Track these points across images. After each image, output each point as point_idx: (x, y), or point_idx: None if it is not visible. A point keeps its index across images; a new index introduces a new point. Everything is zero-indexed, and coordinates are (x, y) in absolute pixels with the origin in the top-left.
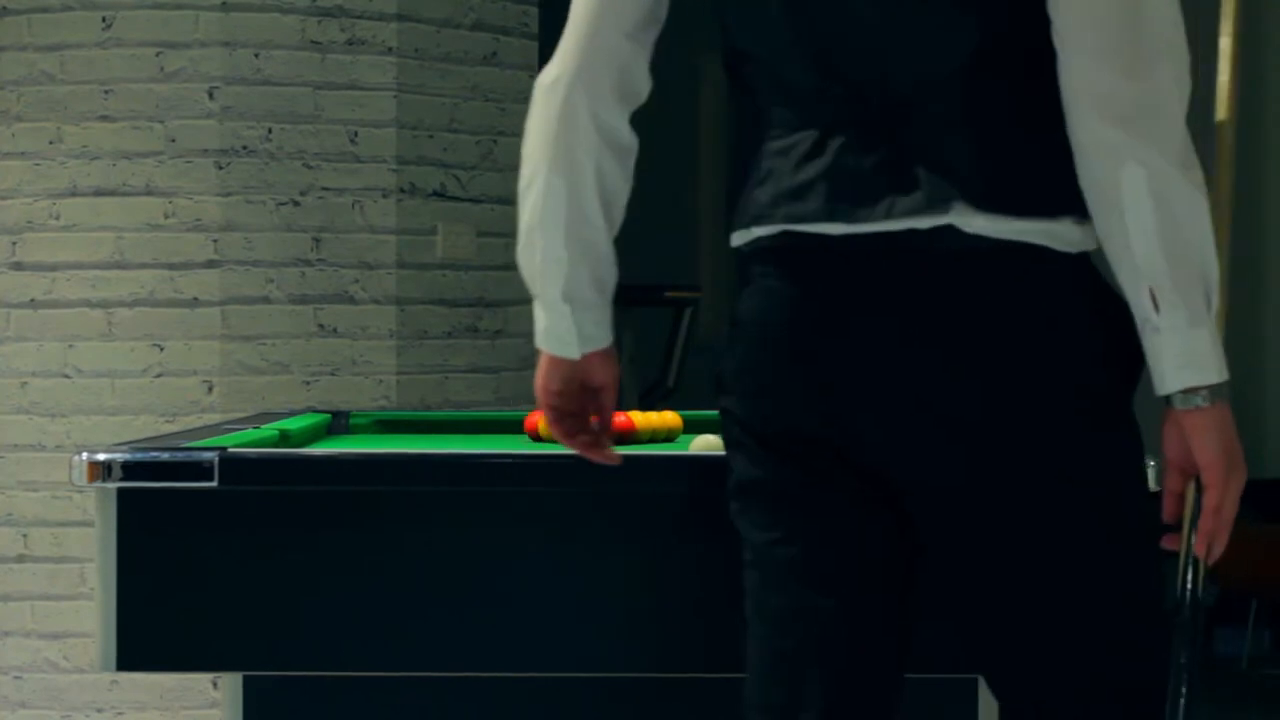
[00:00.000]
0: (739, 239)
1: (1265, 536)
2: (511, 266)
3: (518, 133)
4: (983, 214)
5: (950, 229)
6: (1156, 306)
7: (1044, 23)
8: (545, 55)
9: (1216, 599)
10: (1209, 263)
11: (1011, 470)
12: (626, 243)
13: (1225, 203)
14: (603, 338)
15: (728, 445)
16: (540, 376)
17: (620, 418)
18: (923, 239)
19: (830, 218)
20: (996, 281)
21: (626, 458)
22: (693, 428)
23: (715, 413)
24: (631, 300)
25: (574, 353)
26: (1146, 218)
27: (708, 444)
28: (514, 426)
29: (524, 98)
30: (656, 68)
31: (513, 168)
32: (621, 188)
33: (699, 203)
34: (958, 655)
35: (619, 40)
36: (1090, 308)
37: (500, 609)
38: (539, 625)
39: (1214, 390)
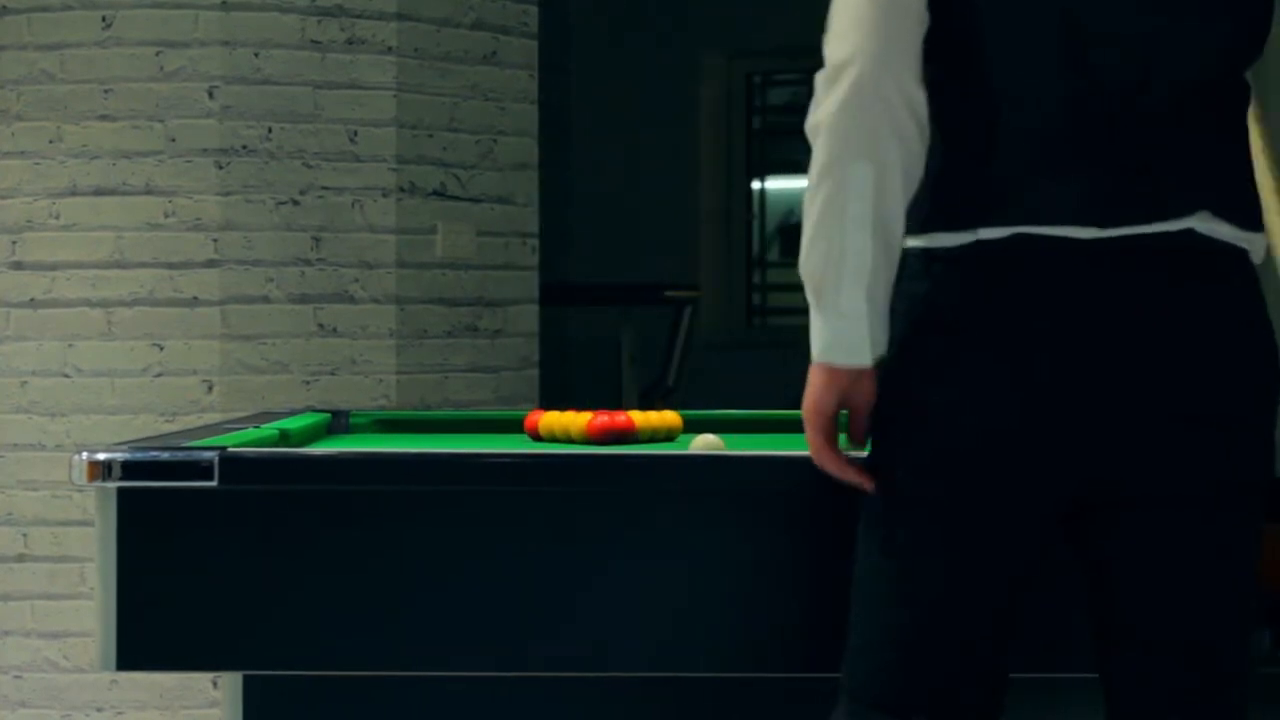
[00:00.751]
0: (949, 240)
1: (1269, 536)
2: (511, 266)
3: (518, 132)
4: (1223, 222)
5: (1191, 233)
6: None
7: (1266, 40)
8: (545, 55)
9: None
10: None
11: (1240, 469)
12: (627, 243)
13: None
14: (878, 349)
15: (910, 466)
16: (817, 394)
17: (620, 417)
18: (1167, 242)
19: (1079, 220)
20: (1228, 284)
21: (626, 457)
22: (692, 427)
23: (715, 412)
24: (631, 300)
25: (866, 360)
26: None
27: (707, 443)
28: (514, 426)
29: (524, 97)
30: (658, 68)
31: (513, 167)
32: (916, 177)
33: (699, 203)
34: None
35: (911, 21)
36: (1265, 311)
37: (500, 609)
38: (539, 625)
39: None
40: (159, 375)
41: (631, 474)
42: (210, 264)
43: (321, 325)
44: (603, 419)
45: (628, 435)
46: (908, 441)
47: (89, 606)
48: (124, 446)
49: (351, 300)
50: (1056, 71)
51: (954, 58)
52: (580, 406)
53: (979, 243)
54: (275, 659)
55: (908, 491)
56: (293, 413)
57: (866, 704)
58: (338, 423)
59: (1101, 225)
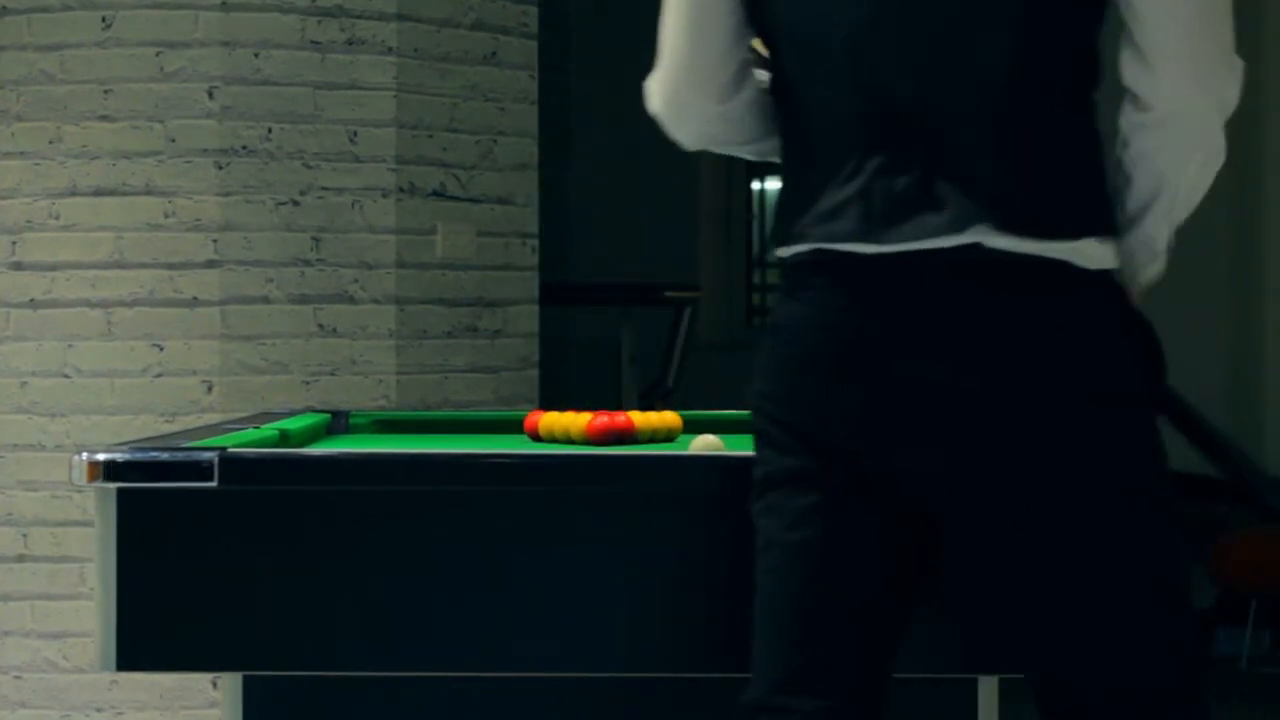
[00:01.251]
0: (783, 252)
1: (1265, 537)
2: (511, 266)
3: (518, 132)
4: (1006, 235)
5: (975, 246)
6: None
7: (1079, 46)
8: (545, 55)
9: (1217, 599)
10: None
11: (1048, 480)
12: (627, 243)
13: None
14: None
15: (758, 439)
16: None
17: (620, 418)
18: (946, 256)
19: (861, 238)
20: (1019, 296)
21: (626, 458)
22: (692, 428)
23: (715, 412)
24: (631, 300)
25: None
26: (1204, 168)
27: (707, 444)
28: (514, 426)
29: (524, 97)
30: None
31: (513, 167)
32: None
33: (699, 203)
34: (957, 655)
35: (722, 37)
36: (1115, 318)
37: (500, 609)
38: (539, 625)
39: None
40: (159, 375)
41: (631, 474)
42: (210, 264)
43: (321, 325)
44: (603, 419)
45: (628, 436)
46: (758, 408)
47: (89, 607)
48: (124, 447)
49: (351, 300)
50: (847, 91)
51: (773, 76)
52: (580, 407)
53: (794, 256)
54: (275, 659)
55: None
56: (293, 413)
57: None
58: (338, 423)
59: (880, 242)
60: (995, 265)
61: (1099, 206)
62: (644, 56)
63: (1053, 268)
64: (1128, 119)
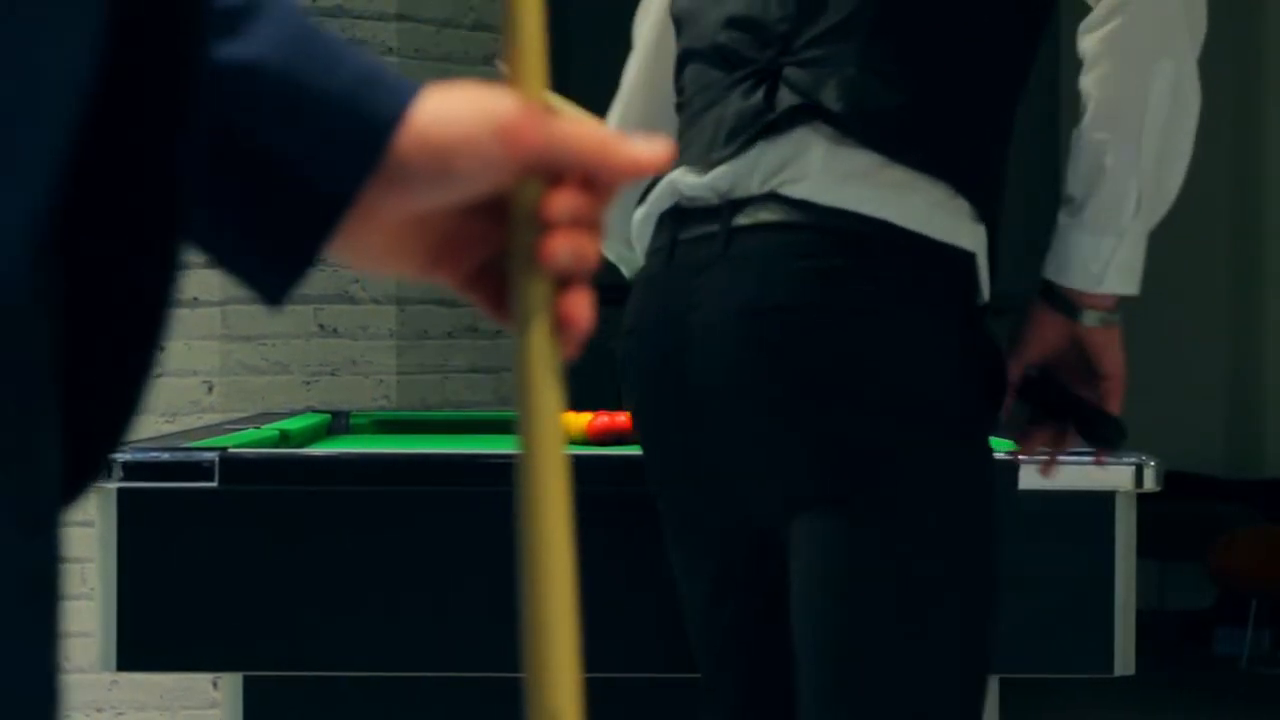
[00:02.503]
0: None
1: (1265, 537)
2: None
3: None
4: (839, 143)
5: (777, 198)
6: (1138, 208)
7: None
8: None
9: (1216, 599)
10: (1179, 178)
11: (836, 494)
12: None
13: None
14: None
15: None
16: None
17: (620, 417)
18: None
19: (689, 164)
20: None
21: (624, 458)
22: None
23: None
24: None
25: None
26: (1178, 95)
27: None
28: (514, 427)
29: None
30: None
31: None
32: None
33: None
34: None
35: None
36: (931, 310)
37: (500, 609)
38: None
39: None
40: (159, 376)
41: (631, 475)
42: (210, 264)
43: (321, 325)
44: (603, 419)
45: (627, 435)
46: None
47: (89, 607)
48: (124, 447)
49: (352, 300)
50: (715, 33)
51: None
52: (580, 407)
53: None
54: (275, 659)
55: None
56: (293, 413)
57: None
58: (338, 423)
59: (700, 168)
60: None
61: (967, 163)
62: None
63: (869, 231)
64: (1079, 37)
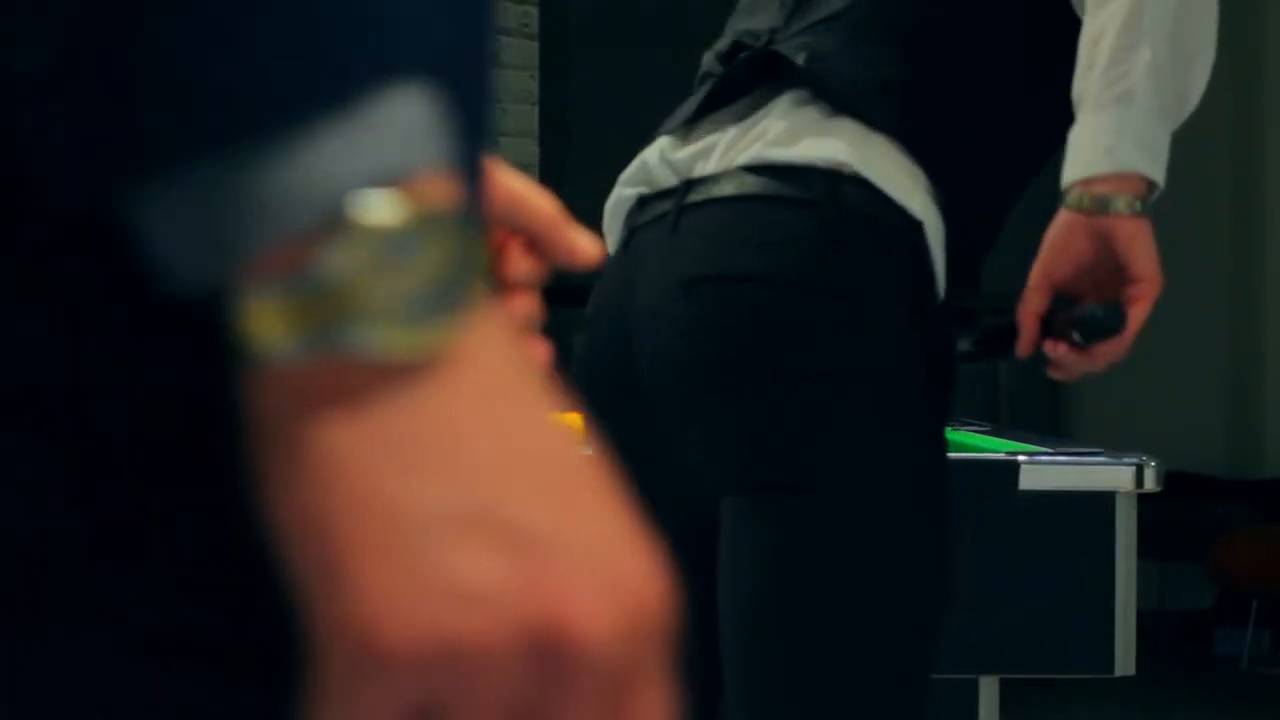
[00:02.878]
0: None
1: (1265, 537)
2: None
3: (518, 133)
4: (804, 103)
5: (730, 172)
6: (1150, 75)
7: None
8: (545, 55)
9: (1216, 599)
10: (1200, 76)
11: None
12: None
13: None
14: None
15: None
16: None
17: None
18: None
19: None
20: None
21: None
22: None
23: None
24: None
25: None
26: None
27: None
28: None
29: (524, 98)
30: (658, 68)
31: (513, 168)
32: None
33: None
34: (958, 656)
35: None
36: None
37: None
38: None
39: (1149, 202)
40: None
41: None
42: None
43: None
44: None
45: None
46: None
47: None
48: None
49: None
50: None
51: None
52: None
53: None
54: None
55: None
56: None
57: None
58: None
59: (669, 134)
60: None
61: (933, 139)
62: (644, 57)
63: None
64: None
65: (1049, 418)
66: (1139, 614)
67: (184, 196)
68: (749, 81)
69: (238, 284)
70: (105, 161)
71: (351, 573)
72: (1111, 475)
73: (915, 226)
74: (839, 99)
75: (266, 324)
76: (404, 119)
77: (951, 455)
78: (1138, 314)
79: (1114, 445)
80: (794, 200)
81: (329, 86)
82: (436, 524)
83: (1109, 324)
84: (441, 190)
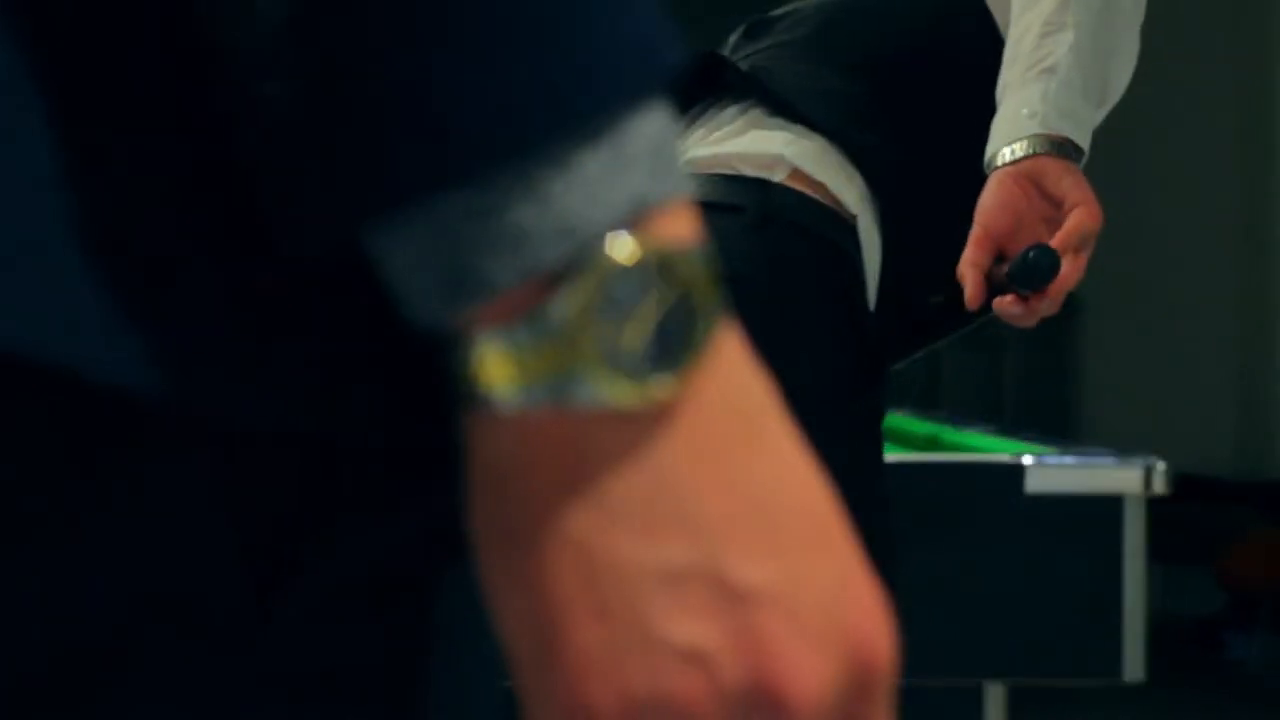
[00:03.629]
0: None
1: (1275, 540)
2: None
3: None
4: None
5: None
6: (1073, 54)
7: None
8: None
9: (1226, 603)
10: (1124, 72)
11: None
12: None
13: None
14: None
15: None
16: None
17: None
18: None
19: None
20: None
21: None
22: None
23: None
24: None
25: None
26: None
27: None
28: None
29: None
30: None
31: None
32: None
33: None
34: (964, 661)
35: None
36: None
37: None
38: None
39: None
40: None
41: None
42: None
43: None
44: None
45: None
46: None
47: None
48: None
49: None
50: None
51: None
52: None
53: None
54: None
55: None
56: None
57: None
58: None
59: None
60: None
61: (875, 147)
62: None
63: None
64: None
65: (1055, 417)
66: (1147, 618)
67: (428, 231)
68: (693, 92)
69: (474, 325)
70: (349, 196)
71: (566, 633)
72: (1119, 478)
73: (847, 225)
74: (779, 101)
75: (498, 368)
76: (650, 143)
77: (957, 458)
78: (1071, 236)
79: (1121, 446)
80: (724, 206)
81: (582, 112)
82: (652, 583)
83: (1043, 265)
84: (685, 221)
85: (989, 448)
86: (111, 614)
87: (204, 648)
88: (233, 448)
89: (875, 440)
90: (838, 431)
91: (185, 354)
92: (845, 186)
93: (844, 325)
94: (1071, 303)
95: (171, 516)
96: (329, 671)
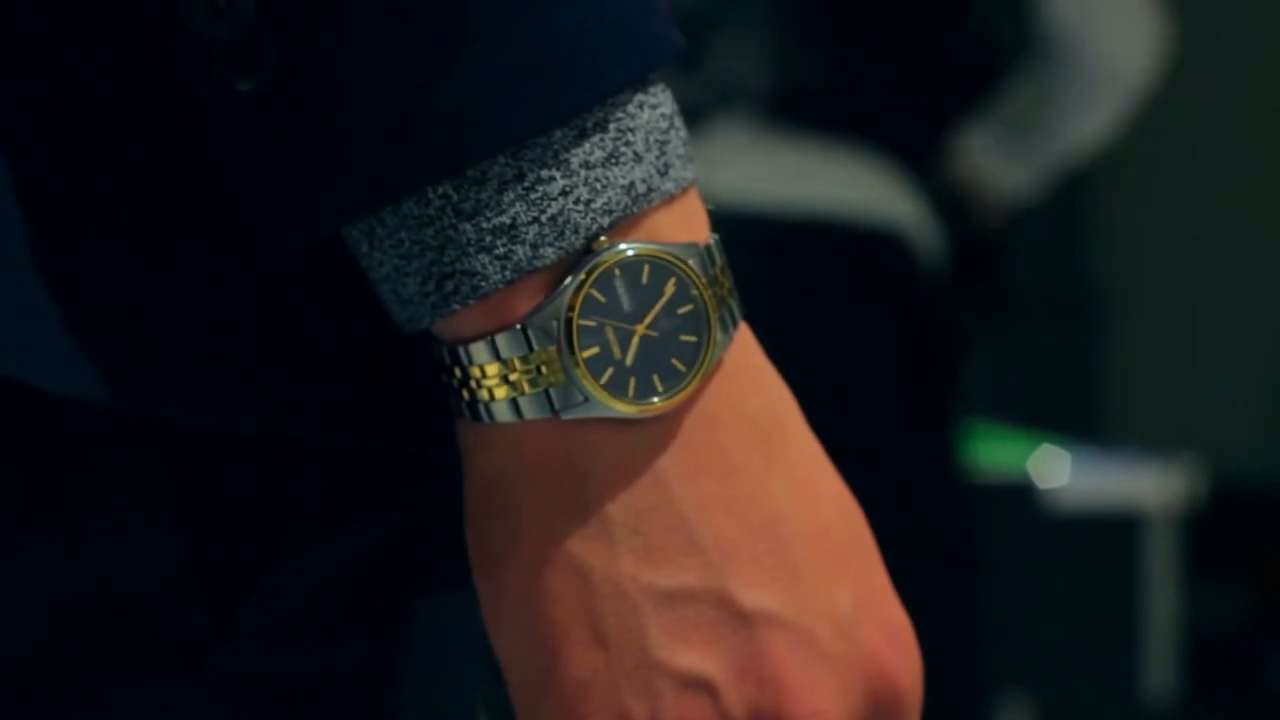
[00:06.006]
0: None
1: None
2: None
3: None
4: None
5: None
6: None
7: None
8: None
9: (1264, 620)
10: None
11: None
12: None
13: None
14: None
15: None
16: None
17: None
18: None
19: None
20: None
21: None
22: None
23: None
24: None
25: None
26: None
27: None
28: None
29: None
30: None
31: None
32: None
33: None
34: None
35: None
36: None
37: None
38: None
39: None
40: None
41: None
42: None
43: None
44: None
45: None
46: None
47: None
48: None
49: None
50: None
51: None
52: None
53: None
54: None
55: None
56: None
57: None
58: None
59: None
60: None
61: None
62: None
63: None
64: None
65: (1076, 412)
66: (1177, 635)
67: (413, 229)
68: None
69: (463, 329)
70: (329, 193)
71: (563, 657)
72: (1148, 490)
73: (900, 235)
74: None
75: (490, 375)
76: (649, 133)
77: (983, 468)
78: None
79: (1146, 442)
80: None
81: (575, 100)
82: (653, 606)
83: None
84: (689, 216)
85: (1006, 443)
86: (59, 618)
87: (158, 655)
88: (190, 449)
89: (927, 435)
90: (888, 427)
91: (142, 359)
92: (892, 202)
93: (889, 322)
94: (1097, 293)
95: (124, 518)
96: (289, 683)
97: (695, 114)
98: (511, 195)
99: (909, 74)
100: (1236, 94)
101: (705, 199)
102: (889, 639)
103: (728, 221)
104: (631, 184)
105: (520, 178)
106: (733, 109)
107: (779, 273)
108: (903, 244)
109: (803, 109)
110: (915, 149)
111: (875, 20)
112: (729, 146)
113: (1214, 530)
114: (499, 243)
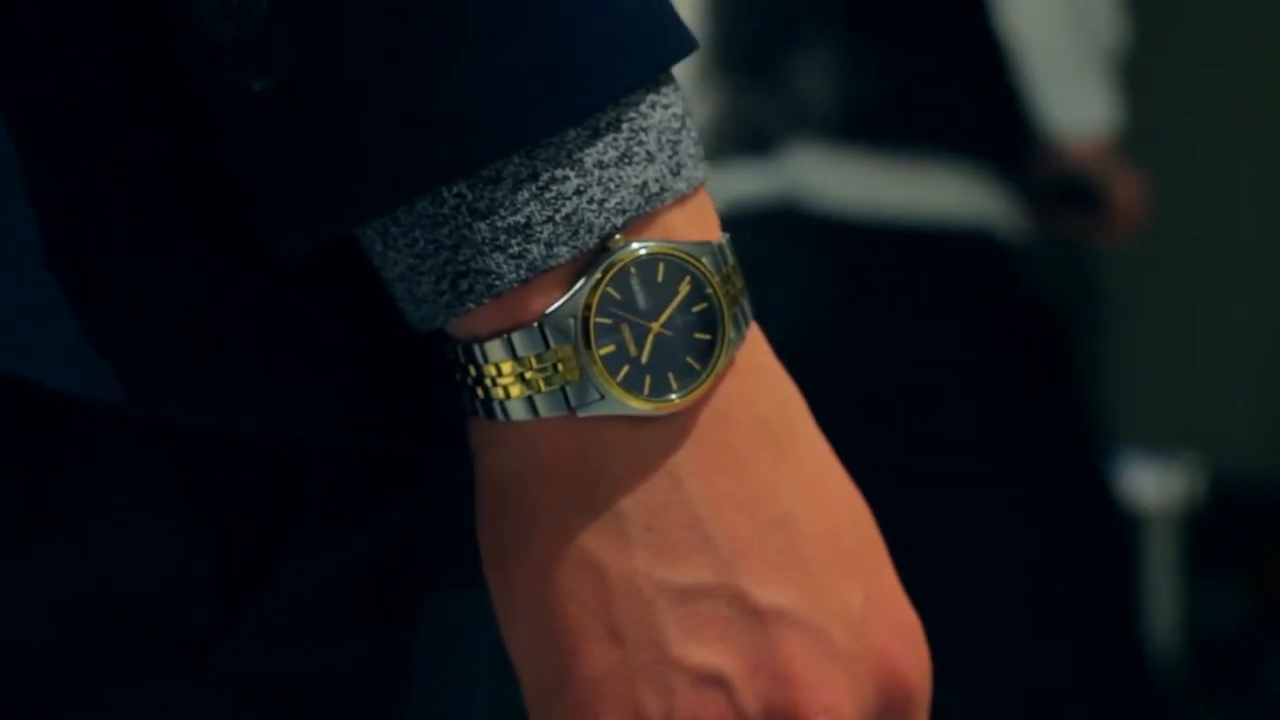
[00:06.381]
0: None
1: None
2: None
3: None
4: None
5: None
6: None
7: None
8: None
9: (1265, 621)
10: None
11: None
12: None
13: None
14: None
15: None
16: None
17: None
18: None
19: None
20: None
21: None
22: None
23: None
24: None
25: None
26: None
27: None
28: None
29: None
30: None
31: None
32: None
33: None
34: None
35: None
36: None
37: None
38: None
39: None
40: None
41: None
42: None
43: None
44: None
45: None
46: None
47: None
48: None
49: None
50: None
51: None
52: None
53: None
54: None
55: None
56: None
57: None
58: None
59: None
60: None
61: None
62: None
63: None
64: None
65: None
66: (1176, 637)
67: (427, 228)
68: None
69: (478, 328)
70: (342, 192)
71: (578, 655)
72: (1149, 490)
73: (986, 234)
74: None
75: (504, 374)
76: (662, 132)
77: None
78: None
79: (1146, 442)
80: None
81: (589, 99)
82: (668, 602)
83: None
84: (703, 215)
85: None
86: (60, 618)
87: (159, 655)
88: (191, 449)
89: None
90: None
91: (144, 359)
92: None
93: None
94: (1097, 293)
95: (130, 518)
96: (289, 683)
97: (774, 134)
98: (526, 194)
99: (974, 73)
100: (1236, 94)
101: (799, 207)
102: (899, 638)
103: (836, 235)
104: (645, 183)
105: (534, 177)
106: (810, 127)
107: (897, 283)
108: (995, 244)
109: (879, 120)
110: (995, 147)
111: (938, 23)
112: (812, 164)
113: (1214, 530)
114: (514, 242)
